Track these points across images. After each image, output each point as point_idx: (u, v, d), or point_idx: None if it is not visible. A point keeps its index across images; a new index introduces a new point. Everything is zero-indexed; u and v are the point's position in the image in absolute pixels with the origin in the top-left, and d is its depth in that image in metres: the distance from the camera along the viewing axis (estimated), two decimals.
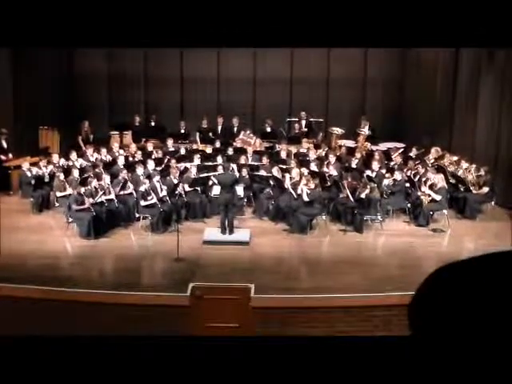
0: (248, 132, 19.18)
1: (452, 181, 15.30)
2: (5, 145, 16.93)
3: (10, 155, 17.01)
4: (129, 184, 14.52)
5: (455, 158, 16.24)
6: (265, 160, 16.29)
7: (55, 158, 16.42)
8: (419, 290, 1.30)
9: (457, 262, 1.30)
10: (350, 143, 18.95)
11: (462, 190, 15.14)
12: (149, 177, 14.61)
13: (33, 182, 15.32)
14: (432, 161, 16.52)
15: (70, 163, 16.17)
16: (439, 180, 14.44)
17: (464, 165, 15.63)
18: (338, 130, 19.81)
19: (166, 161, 16.30)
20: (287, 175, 14.76)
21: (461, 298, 1.22)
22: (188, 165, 15.90)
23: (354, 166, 16.22)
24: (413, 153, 17.38)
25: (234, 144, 18.45)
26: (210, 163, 16.14)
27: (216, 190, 14.30)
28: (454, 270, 1.30)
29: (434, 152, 16.86)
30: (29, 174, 15.61)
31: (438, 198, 14.08)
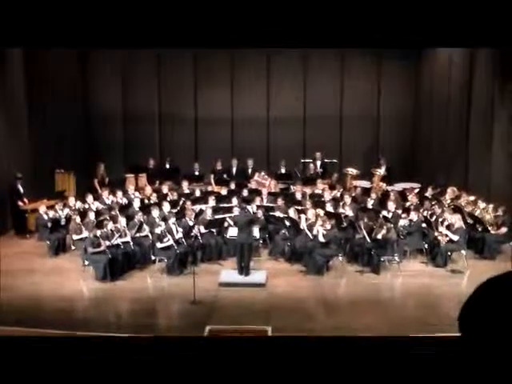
0: (262, 173, 19.22)
1: (469, 221, 15.16)
2: (21, 189, 17.04)
3: (26, 200, 17.11)
4: (144, 226, 14.55)
5: (472, 198, 16.13)
6: (280, 201, 16.28)
7: (71, 201, 16.49)
8: (470, 299, 1.36)
9: (507, 272, 1.38)
10: (365, 184, 18.93)
11: (479, 230, 15.00)
12: (164, 219, 14.62)
13: (49, 225, 15.38)
14: (448, 201, 16.43)
15: (86, 206, 16.24)
16: (456, 220, 14.32)
17: (481, 205, 15.51)
18: (352, 171, 19.86)
19: (181, 203, 16.35)
20: (303, 216, 14.72)
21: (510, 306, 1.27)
22: (203, 206, 15.93)
23: (369, 206, 16.15)
24: (429, 193, 17.31)
25: (249, 185, 18.47)
26: (226, 205, 16.15)
27: (232, 232, 14.28)
28: (504, 280, 1.36)
29: (451, 192, 16.78)
30: (45, 217, 15.68)
31: (455, 238, 13.96)
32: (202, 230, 14.69)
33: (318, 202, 16.30)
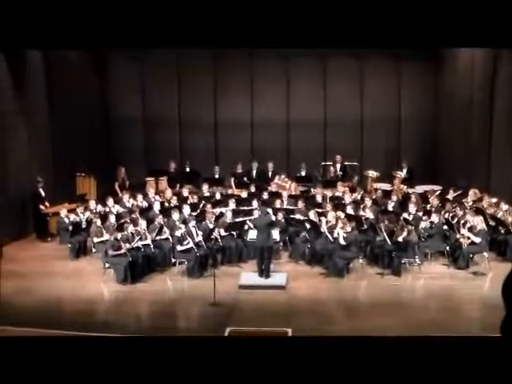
0: (283, 176, 19.20)
1: (492, 223, 15.00)
2: (43, 193, 17.15)
3: (47, 204, 17.22)
4: (165, 229, 14.57)
5: (494, 200, 15.96)
6: (300, 204, 16.24)
7: (92, 204, 16.59)
8: None
9: None
10: (386, 186, 18.83)
11: (502, 232, 14.83)
12: (184, 222, 14.64)
13: (70, 228, 15.47)
14: (470, 203, 16.27)
15: (107, 209, 16.32)
16: (478, 222, 14.17)
17: (504, 206, 15.34)
18: (373, 173, 19.77)
19: (201, 206, 16.36)
20: (323, 219, 14.67)
21: None
22: (223, 209, 15.92)
23: (390, 208, 16.05)
24: (450, 195, 17.17)
25: (269, 188, 18.46)
26: (246, 207, 16.14)
27: (252, 235, 14.26)
28: None
29: (473, 194, 16.62)
30: (66, 220, 15.79)
31: (477, 240, 13.81)
32: (222, 232, 14.70)
33: (338, 204, 16.24)
